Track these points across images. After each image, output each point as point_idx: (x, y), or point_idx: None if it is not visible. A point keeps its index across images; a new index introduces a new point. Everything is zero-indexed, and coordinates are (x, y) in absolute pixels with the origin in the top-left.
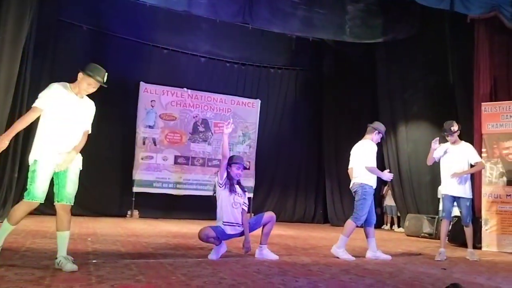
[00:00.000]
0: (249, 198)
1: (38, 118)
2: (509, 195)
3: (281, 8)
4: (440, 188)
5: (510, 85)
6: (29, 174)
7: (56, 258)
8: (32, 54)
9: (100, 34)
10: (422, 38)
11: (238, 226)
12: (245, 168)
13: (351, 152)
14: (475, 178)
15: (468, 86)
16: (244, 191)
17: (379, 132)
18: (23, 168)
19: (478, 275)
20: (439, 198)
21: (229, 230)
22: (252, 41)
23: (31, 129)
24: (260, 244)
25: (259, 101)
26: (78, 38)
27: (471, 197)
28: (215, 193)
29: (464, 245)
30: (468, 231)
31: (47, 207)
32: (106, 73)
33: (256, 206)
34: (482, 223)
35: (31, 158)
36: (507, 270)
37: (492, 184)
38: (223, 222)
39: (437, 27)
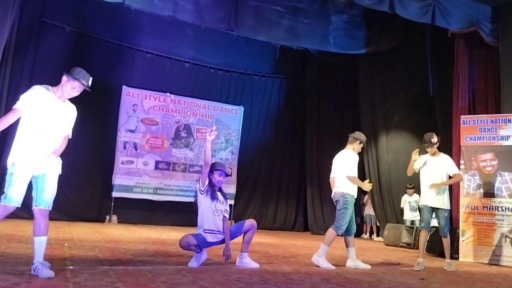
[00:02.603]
0: (230, 205)
1: (18, 120)
2: (486, 207)
3: (266, 16)
4: (403, 197)
5: (488, 98)
6: (7, 177)
7: (33, 264)
8: (12, 54)
9: (83, 36)
10: (403, 50)
11: (219, 233)
12: (227, 175)
13: (333, 162)
14: (453, 190)
15: (447, 99)
16: (226, 198)
17: (360, 142)
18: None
19: (456, 286)
20: (402, 208)
21: (210, 238)
22: (237, 48)
23: (8, 131)
24: (241, 252)
25: (243, 108)
26: (60, 40)
27: (449, 208)
28: (196, 199)
29: (441, 255)
30: (446, 242)
31: (23, 211)
32: (91, 77)
33: (237, 213)
34: (459, 234)
35: (9, 161)
36: (483, 281)
37: (470, 195)
38: (204, 229)
39: (418, 40)
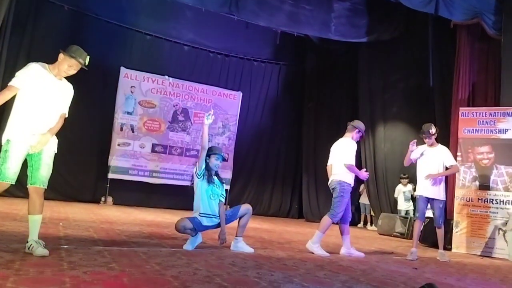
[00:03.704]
0: (225, 190)
1: (13, 97)
2: (481, 199)
3: (268, 1)
4: (398, 187)
5: (488, 91)
6: (1, 154)
7: (27, 242)
8: (10, 32)
9: (81, 15)
10: (404, 40)
11: (215, 217)
12: (224, 159)
13: (331, 149)
14: (449, 181)
15: (447, 90)
16: (222, 183)
17: (359, 131)
18: None
19: (449, 276)
20: (395, 197)
21: (205, 222)
22: (237, 32)
23: (4, 109)
24: (236, 236)
25: (241, 93)
26: (58, 18)
27: (444, 199)
28: (193, 183)
29: (434, 245)
30: (440, 233)
31: (17, 189)
32: (88, 56)
33: (232, 198)
34: (453, 225)
35: (4, 138)
36: (475, 272)
37: (465, 187)
38: (200, 213)
39: (420, 31)
